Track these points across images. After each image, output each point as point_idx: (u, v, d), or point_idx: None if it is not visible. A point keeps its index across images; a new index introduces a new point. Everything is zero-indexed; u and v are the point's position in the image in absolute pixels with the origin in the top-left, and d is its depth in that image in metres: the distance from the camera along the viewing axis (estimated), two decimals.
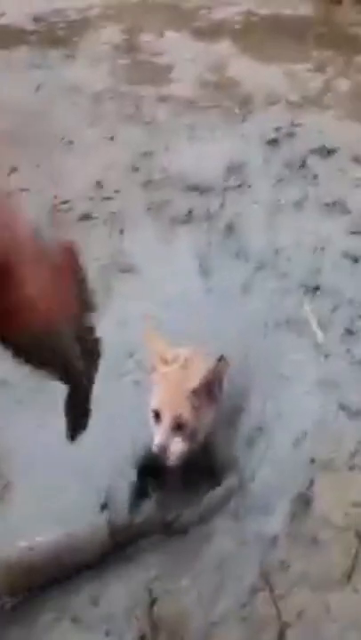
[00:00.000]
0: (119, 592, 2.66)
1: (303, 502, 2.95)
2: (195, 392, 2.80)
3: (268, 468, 3.08)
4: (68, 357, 1.39)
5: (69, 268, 1.38)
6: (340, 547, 2.81)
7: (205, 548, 2.79)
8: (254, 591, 2.65)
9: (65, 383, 1.43)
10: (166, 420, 2.76)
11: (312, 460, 3.12)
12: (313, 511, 2.93)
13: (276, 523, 2.88)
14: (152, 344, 2.95)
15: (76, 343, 1.37)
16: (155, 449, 2.77)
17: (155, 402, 2.84)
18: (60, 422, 1.48)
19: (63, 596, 2.65)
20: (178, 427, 2.77)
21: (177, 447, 2.77)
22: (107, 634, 2.54)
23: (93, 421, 3.00)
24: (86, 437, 2.93)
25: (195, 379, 2.82)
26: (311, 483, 3.02)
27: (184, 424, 2.77)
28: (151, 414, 2.85)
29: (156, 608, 2.59)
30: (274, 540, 2.82)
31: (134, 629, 2.54)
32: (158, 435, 2.78)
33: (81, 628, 2.56)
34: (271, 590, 2.61)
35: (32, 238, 1.30)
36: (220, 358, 2.81)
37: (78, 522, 2.83)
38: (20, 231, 1.28)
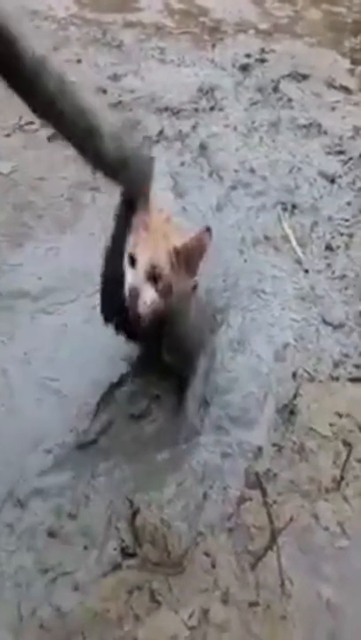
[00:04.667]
0: (97, 504, 2.55)
1: (288, 413, 2.88)
2: (176, 251, 2.61)
3: (250, 380, 2.98)
4: None
5: None
6: (328, 455, 2.74)
7: (187, 460, 2.69)
8: (241, 501, 2.57)
9: None
10: (142, 265, 2.56)
11: (295, 373, 3.03)
12: (298, 422, 2.85)
13: (260, 434, 2.80)
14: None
15: None
16: (126, 292, 2.58)
17: (133, 246, 2.63)
18: None
19: (38, 508, 2.54)
20: (152, 277, 2.58)
21: (148, 295, 2.58)
22: (85, 547, 2.42)
23: (69, 337, 2.97)
24: (62, 350, 2.91)
25: (178, 239, 2.65)
26: (295, 394, 2.94)
27: (159, 276, 2.57)
28: (127, 258, 2.65)
29: (137, 519, 2.47)
30: (259, 451, 2.72)
31: (115, 541, 2.43)
32: (131, 277, 2.60)
33: (58, 542, 2.45)
34: (264, 494, 2.51)
35: None
36: (207, 228, 2.65)
37: None
38: None
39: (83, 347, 3.10)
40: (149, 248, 2.58)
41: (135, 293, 2.54)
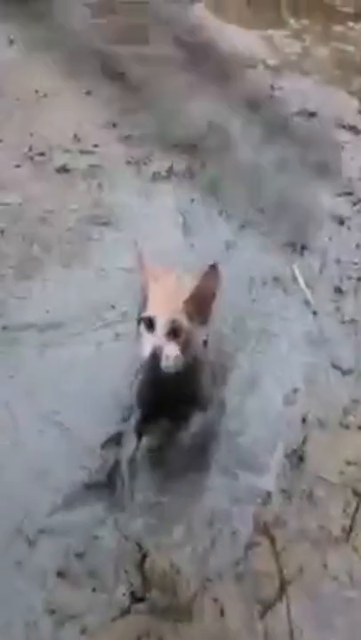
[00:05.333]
0: (106, 545, 2.55)
1: (297, 459, 2.87)
2: (190, 299, 2.62)
3: (259, 424, 2.98)
4: None
5: None
6: (337, 504, 2.73)
7: (197, 504, 2.69)
8: (250, 547, 2.56)
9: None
10: (161, 324, 2.56)
11: (305, 418, 3.03)
12: (307, 468, 2.85)
13: (269, 479, 2.79)
14: (144, 264, 2.77)
15: None
16: (147, 354, 2.55)
17: (148, 309, 2.62)
18: None
19: (47, 547, 2.54)
20: (173, 332, 2.58)
21: (172, 350, 2.57)
22: (94, 589, 2.42)
23: (76, 371, 2.96)
24: (70, 383, 2.90)
25: (189, 289, 2.65)
26: (304, 440, 2.94)
27: (179, 330, 2.58)
28: (142, 325, 2.64)
29: (146, 562, 2.48)
30: (268, 497, 2.72)
31: (124, 584, 2.43)
32: (153, 340, 2.58)
33: (67, 582, 2.45)
34: (272, 542, 2.49)
35: None
36: (212, 265, 2.65)
37: None
38: None
39: (90, 381, 3.09)
40: (166, 305, 2.61)
41: (160, 348, 2.53)
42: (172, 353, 2.56)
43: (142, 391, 2.89)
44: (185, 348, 2.60)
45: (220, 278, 2.66)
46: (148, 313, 2.61)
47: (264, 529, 2.58)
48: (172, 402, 2.81)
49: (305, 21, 6.83)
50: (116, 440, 2.89)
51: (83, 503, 2.69)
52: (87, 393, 3.05)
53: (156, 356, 2.53)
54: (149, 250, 2.81)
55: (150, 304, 2.64)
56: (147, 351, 2.55)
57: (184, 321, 2.58)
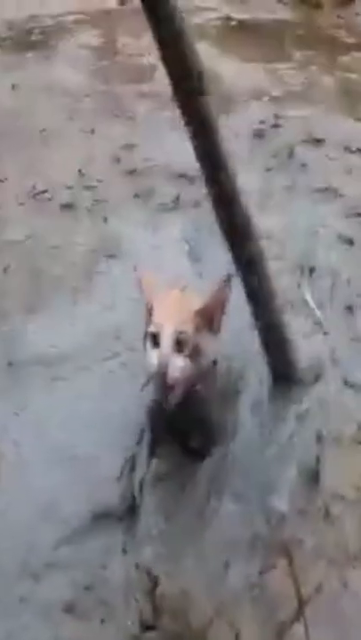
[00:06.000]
0: (114, 576, 2.47)
1: (311, 478, 2.78)
2: (198, 312, 2.58)
3: (272, 444, 2.88)
4: None
5: None
6: (355, 521, 2.63)
7: (208, 528, 2.60)
8: (265, 570, 2.47)
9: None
10: (167, 336, 2.49)
11: (318, 436, 2.93)
12: (322, 486, 2.74)
13: (283, 499, 2.69)
14: (147, 284, 2.72)
15: None
16: (153, 369, 2.49)
17: (153, 323, 2.57)
18: None
19: (53, 581, 2.46)
20: (179, 344, 2.51)
21: (178, 363, 2.50)
22: (102, 621, 2.34)
23: (84, 403, 2.90)
24: (78, 416, 2.84)
25: (196, 301, 2.62)
26: (318, 459, 2.84)
27: (185, 341, 2.52)
28: (148, 341, 2.59)
29: (157, 590, 2.39)
30: (283, 518, 2.61)
31: (134, 613, 2.34)
32: (158, 354, 2.51)
33: (74, 616, 2.36)
34: (290, 562, 2.42)
35: None
36: (226, 278, 2.60)
37: None
38: None
39: (98, 414, 3.02)
40: (171, 317, 2.55)
41: (164, 365, 2.46)
42: (177, 365, 2.49)
43: (152, 412, 2.86)
44: (194, 357, 2.55)
45: (230, 292, 2.66)
46: (152, 328, 2.56)
47: (282, 547, 2.49)
48: (181, 425, 2.76)
49: (309, 52, 6.80)
50: (131, 464, 2.85)
51: (91, 535, 2.61)
52: (97, 423, 2.99)
53: (161, 372, 2.46)
54: (152, 271, 2.81)
55: (154, 319, 2.59)
56: (153, 367, 2.48)
57: (190, 331, 2.53)
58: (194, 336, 2.55)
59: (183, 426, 2.81)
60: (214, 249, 3.78)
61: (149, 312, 2.67)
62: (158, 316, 2.59)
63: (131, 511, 2.69)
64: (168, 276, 3.39)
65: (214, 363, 2.76)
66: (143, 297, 2.73)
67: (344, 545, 2.55)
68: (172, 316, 2.56)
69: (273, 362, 2.98)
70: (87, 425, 2.98)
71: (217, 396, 2.91)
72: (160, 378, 2.48)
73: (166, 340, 2.50)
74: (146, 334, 2.62)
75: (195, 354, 2.56)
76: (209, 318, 2.63)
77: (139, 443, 2.90)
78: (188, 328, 2.54)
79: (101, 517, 2.67)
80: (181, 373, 2.52)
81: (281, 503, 2.67)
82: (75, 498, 2.72)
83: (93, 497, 2.72)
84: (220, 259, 3.69)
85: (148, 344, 2.58)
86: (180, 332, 2.52)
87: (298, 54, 6.80)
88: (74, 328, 3.49)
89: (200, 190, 4.23)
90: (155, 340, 2.54)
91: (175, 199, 4.44)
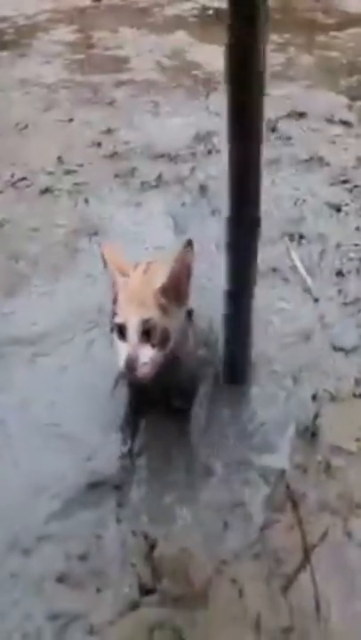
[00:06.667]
0: (109, 543, 2.35)
1: (310, 434, 2.68)
2: (162, 290, 2.46)
3: (266, 406, 2.80)
4: None
5: None
6: (356, 471, 2.54)
7: (203, 491, 2.51)
8: (265, 526, 2.36)
9: None
10: (133, 328, 2.39)
11: (315, 395, 2.85)
12: (322, 441, 2.66)
13: (282, 458, 2.60)
14: (111, 261, 2.61)
15: None
16: (122, 364, 2.38)
17: (118, 314, 2.46)
18: None
19: (45, 554, 2.34)
20: (146, 333, 2.40)
21: (147, 355, 2.39)
22: (98, 589, 2.22)
23: (68, 376, 2.80)
24: (62, 389, 2.75)
25: (159, 279, 2.49)
26: (316, 416, 2.75)
27: (153, 328, 2.41)
28: (115, 334, 2.47)
29: (155, 552, 2.29)
30: (282, 474, 2.52)
31: (131, 578, 2.23)
32: (125, 347, 2.40)
33: (67, 586, 2.24)
34: (296, 509, 2.36)
35: None
36: (187, 243, 2.49)
37: None
38: None
39: (82, 386, 2.94)
40: (135, 306, 2.44)
41: (133, 358, 2.36)
42: (146, 357, 2.39)
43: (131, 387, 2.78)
44: (162, 344, 2.44)
45: (193, 257, 2.51)
46: (118, 319, 2.45)
47: (284, 501, 2.41)
48: (161, 388, 2.67)
49: (287, 35, 6.76)
50: (118, 434, 2.74)
51: (83, 507, 2.50)
52: (81, 395, 2.91)
53: (130, 367, 2.36)
54: (119, 250, 2.69)
55: (119, 308, 2.48)
56: (121, 361, 2.38)
57: (156, 316, 2.42)
58: (160, 320, 2.44)
59: (163, 389, 2.70)
60: (199, 220, 3.71)
61: (114, 295, 2.56)
62: (123, 305, 2.48)
63: (122, 481, 2.57)
64: (147, 250, 3.34)
65: (189, 313, 2.65)
66: (107, 272, 2.61)
67: (349, 495, 2.45)
68: (138, 303, 2.45)
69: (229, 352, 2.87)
70: (72, 397, 2.89)
71: (199, 345, 2.79)
72: (130, 373, 2.38)
73: (133, 332, 2.41)
74: (112, 325, 2.50)
75: (163, 339, 2.46)
76: (175, 290, 2.51)
77: (124, 412, 2.79)
78: (154, 314, 2.43)
79: (93, 489, 2.56)
80: (151, 366, 2.41)
81: (280, 461, 2.57)
82: (64, 472, 2.61)
83: (83, 470, 2.61)
84: (206, 230, 3.62)
85: (115, 336, 2.47)
86: (146, 321, 2.41)
87: (275, 37, 6.75)
88: (55, 305, 3.41)
89: (182, 168, 4.17)
90: (121, 332, 2.44)
91: (158, 177, 4.37)
